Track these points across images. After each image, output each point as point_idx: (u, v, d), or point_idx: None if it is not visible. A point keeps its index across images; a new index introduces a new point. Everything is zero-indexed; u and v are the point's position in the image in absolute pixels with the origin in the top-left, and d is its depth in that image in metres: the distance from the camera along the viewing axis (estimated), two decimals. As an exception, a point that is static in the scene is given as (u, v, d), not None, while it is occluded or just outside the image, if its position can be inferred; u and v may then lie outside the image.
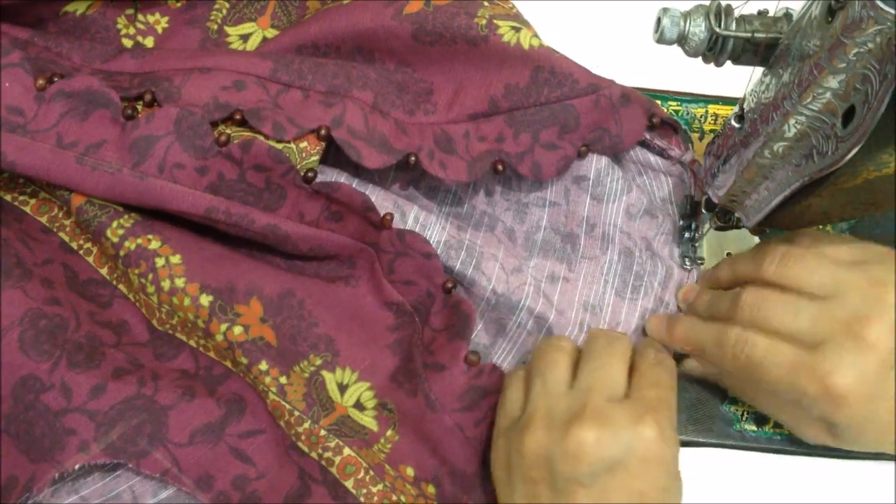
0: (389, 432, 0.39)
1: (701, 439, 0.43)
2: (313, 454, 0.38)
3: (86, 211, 0.39)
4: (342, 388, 0.40)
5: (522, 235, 0.46)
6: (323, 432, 0.38)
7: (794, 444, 0.42)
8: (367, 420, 0.40)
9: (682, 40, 0.35)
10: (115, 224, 0.39)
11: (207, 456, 0.38)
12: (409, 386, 0.40)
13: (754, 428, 0.43)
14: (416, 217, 0.43)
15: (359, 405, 0.40)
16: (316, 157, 0.40)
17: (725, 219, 0.42)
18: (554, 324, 0.42)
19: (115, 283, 0.41)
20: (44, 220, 0.42)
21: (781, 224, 0.38)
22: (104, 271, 0.41)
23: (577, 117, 0.43)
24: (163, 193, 0.38)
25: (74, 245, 0.42)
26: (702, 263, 0.46)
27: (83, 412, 0.37)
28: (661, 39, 0.35)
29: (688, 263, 0.46)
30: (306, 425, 0.38)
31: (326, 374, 0.40)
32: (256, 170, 0.40)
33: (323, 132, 0.40)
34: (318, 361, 0.40)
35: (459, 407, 0.40)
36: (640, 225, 0.46)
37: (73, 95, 0.39)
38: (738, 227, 0.42)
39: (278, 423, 0.39)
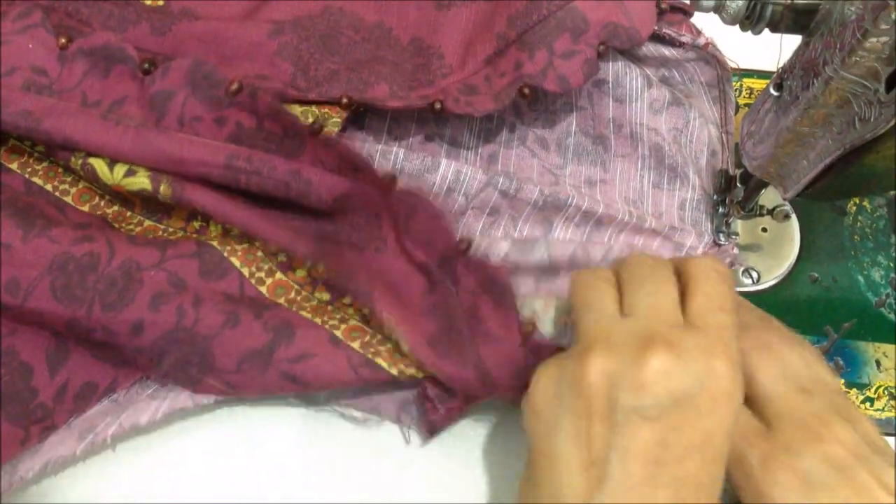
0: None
1: None
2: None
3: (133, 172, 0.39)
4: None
5: (554, 142, 0.46)
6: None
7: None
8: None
9: (719, 7, 0.34)
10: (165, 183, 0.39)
11: (258, 381, 0.37)
12: (457, 359, 0.37)
13: None
14: (445, 170, 0.43)
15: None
16: (338, 120, 0.41)
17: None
18: (604, 215, 0.42)
19: (165, 236, 0.41)
20: (85, 208, 0.42)
21: (819, 195, 0.37)
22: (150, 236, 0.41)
23: (584, 17, 0.42)
24: (183, 145, 0.38)
25: (116, 225, 0.41)
26: (737, 238, 0.45)
27: (131, 349, 0.37)
28: (698, 7, 0.34)
29: (722, 238, 0.45)
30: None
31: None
32: (272, 118, 0.40)
33: (345, 101, 0.41)
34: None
35: (519, 385, 0.36)
36: (666, 118, 0.45)
37: (93, 52, 0.39)
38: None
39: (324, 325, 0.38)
